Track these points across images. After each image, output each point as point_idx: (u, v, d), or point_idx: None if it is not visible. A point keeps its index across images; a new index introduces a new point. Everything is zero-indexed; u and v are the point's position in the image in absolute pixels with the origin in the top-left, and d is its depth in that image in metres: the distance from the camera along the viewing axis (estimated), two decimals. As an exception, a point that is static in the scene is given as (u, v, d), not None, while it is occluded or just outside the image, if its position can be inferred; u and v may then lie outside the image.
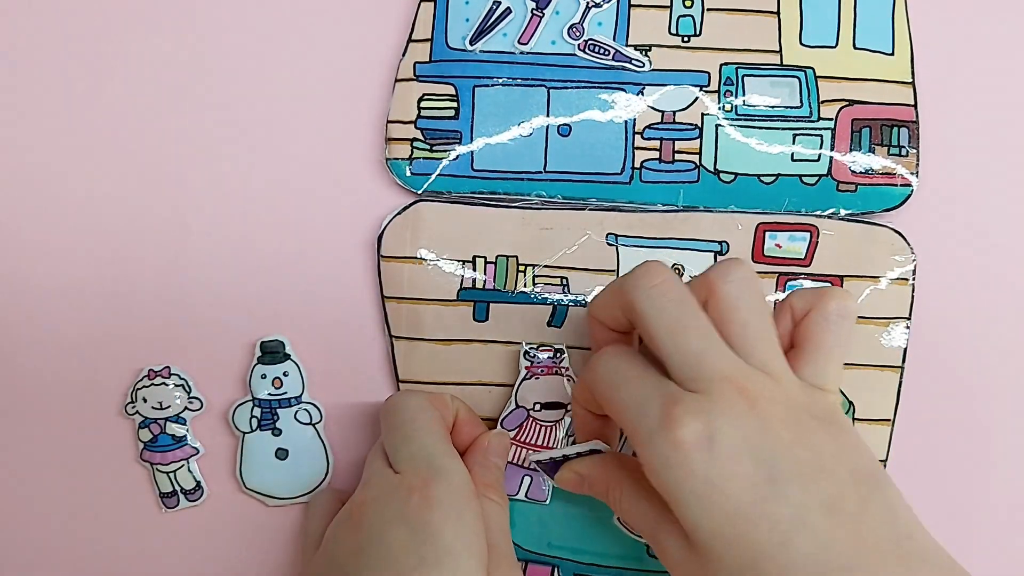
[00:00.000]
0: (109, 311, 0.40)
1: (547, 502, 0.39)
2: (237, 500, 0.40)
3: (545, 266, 0.39)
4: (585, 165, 0.40)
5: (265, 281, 0.40)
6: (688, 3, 0.40)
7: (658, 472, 0.29)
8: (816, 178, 0.40)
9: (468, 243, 0.39)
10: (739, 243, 0.39)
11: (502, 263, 0.39)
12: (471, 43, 0.40)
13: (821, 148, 0.40)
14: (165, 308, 0.40)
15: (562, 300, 0.39)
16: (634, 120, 0.40)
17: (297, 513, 0.40)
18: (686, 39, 0.40)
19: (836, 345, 0.32)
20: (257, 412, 0.39)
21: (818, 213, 0.39)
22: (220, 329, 0.40)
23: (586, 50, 0.40)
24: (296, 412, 0.39)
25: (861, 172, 0.39)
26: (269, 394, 0.39)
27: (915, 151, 0.40)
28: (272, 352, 0.39)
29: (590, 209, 0.40)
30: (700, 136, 0.40)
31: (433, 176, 0.40)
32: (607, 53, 0.40)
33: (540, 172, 0.40)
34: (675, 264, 0.39)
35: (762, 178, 0.40)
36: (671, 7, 0.40)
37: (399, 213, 0.40)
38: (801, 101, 0.40)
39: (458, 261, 0.39)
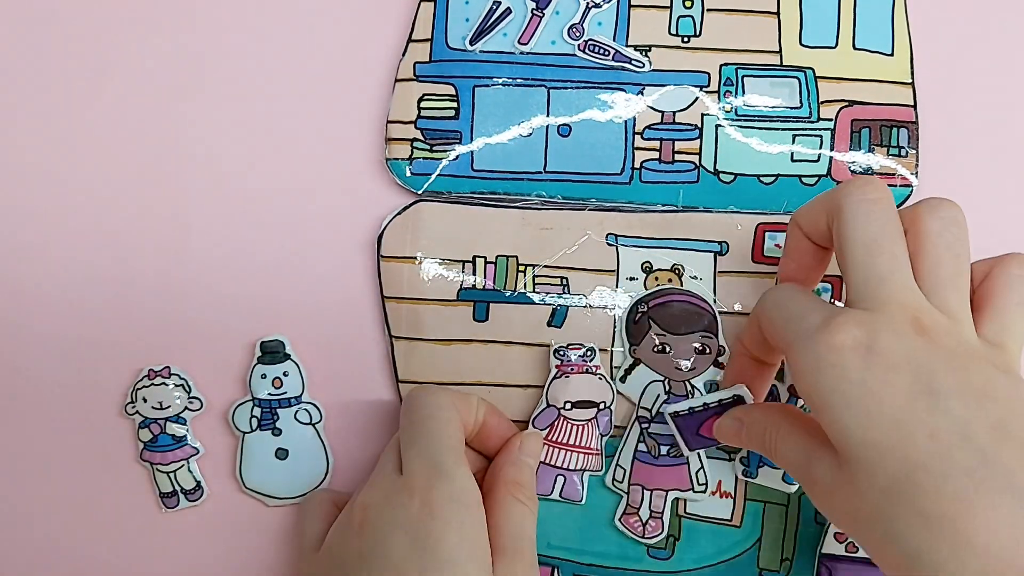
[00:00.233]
0: (109, 311, 0.40)
1: (582, 502, 0.39)
2: (237, 500, 0.40)
3: (545, 266, 0.39)
4: (585, 165, 0.40)
5: (265, 281, 0.40)
6: (688, 3, 0.40)
7: (809, 374, 0.28)
8: (816, 178, 0.40)
9: (468, 243, 0.39)
10: (739, 243, 0.39)
11: (502, 263, 0.39)
12: (471, 43, 0.40)
13: (821, 148, 0.40)
14: (165, 308, 0.40)
15: (563, 301, 0.39)
16: (634, 120, 0.40)
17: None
18: (686, 39, 0.40)
19: (1020, 304, 0.30)
20: (257, 412, 0.39)
21: (818, 213, 0.40)
22: (220, 329, 0.40)
23: (586, 50, 0.40)
24: (296, 412, 0.39)
25: (861, 172, 0.40)
26: (269, 394, 0.39)
27: (915, 151, 0.40)
28: (272, 352, 0.39)
29: (590, 209, 0.40)
30: (700, 136, 0.40)
31: (433, 176, 0.40)
32: (607, 53, 0.40)
33: (540, 172, 0.40)
34: (675, 264, 0.39)
35: (762, 178, 0.40)
36: (671, 7, 0.40)
37: (399, 213, 0.40)
38: (801, 101, 0.40)
39: (455, 261, 0.39)
